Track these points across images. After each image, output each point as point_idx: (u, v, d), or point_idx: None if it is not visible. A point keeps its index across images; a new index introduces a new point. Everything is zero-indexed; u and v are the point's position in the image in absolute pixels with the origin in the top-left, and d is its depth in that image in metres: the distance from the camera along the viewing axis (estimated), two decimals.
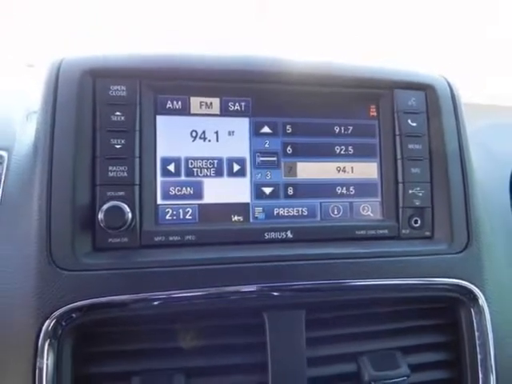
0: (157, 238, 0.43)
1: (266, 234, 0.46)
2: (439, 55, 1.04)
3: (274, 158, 0.48)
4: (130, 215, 0.41)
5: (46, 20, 0.94)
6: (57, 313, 0.39)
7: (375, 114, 0.50)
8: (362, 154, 0.50)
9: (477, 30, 1.06)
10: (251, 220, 0.46)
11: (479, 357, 0.47)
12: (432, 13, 1.08)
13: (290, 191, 0.48)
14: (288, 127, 0.48)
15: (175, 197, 0.45)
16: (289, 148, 0.48)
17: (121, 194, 0.43)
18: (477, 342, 0.47)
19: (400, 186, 0.49)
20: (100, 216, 0.41)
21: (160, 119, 0.45)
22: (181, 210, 0.45)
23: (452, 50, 1.05)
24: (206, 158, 0.46)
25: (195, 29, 1.04)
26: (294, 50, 1.08)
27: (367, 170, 0.50)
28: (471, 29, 1.06)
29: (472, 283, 0.47)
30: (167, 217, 0.45)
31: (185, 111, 0.46)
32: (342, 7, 1.11)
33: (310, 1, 1.13)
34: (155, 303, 0.41)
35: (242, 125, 0.47)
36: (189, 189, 0.45)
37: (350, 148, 0.49)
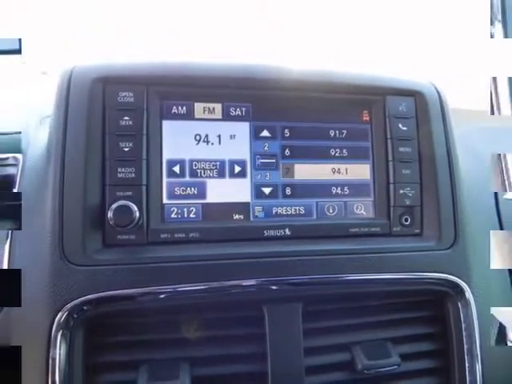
0: (163, 235, 0.45)
1: (265, 232, 0.48)
2: (437, 58, 1.06)
3: (273, 160, 0.50)
4: (137, 214, 0.43)
5: (51, 23, 0.96)
6: (69, 305, 0.41)
7: (368, 118, 0.53)
8: (355, 156, 0.52)
9: (476, 31, 1.06)
10: (251, 218, 0.48)
11: (466, 346, 0.49)
12: (431, 14, 1.09)
13: (288, 191, 0.50)
14: (286, 131, 0.50)
15: (180, 196, 0.47)
16: (287, 150, 0.50)
17: (129, 193, 0.44)
18: (463, 332, 0.49)
19: (391, 186, 0.51)
20: (109, 214, 0.42)
21: (166, 124, 0.47)
22: (185, 209, 0.47)
23: (450, 51, 1.07)
24: (209, 160, 0.48)
25: (195, 29, 1.06)
26: (293, 51, 1.10)
27: (360, 172, 0.52)
28: (470, 29, 1.07)
29: (459, 278, 0.49)
30: (172, 215, 0.47)
31: (189, 116, 0.48)
32: (340, 9, 1.13)
33: (308, 3, 1.15)
34: (161, 296, 0.43)
35: (243, 129, 0.49)
36: (193, 189, 0.47)
37: (344, 150, 0.52)
